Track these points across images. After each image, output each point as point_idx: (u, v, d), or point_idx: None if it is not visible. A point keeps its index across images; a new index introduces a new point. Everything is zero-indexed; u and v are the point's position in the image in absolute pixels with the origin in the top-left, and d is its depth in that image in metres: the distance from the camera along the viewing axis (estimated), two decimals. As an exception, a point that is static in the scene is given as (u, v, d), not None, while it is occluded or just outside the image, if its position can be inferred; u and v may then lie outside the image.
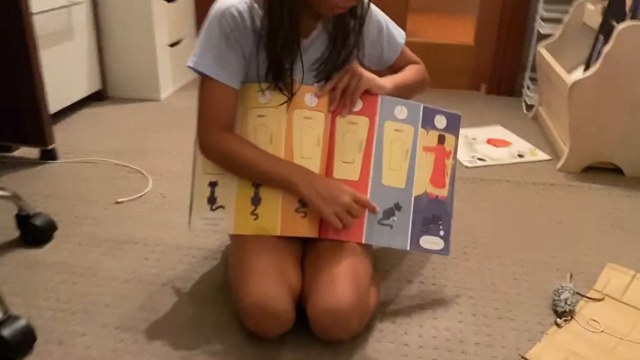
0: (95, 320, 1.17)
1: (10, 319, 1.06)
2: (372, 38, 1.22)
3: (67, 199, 1.69)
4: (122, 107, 2.49)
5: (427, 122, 1.19)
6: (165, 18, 2.54)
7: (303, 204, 1.12)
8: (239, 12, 1.08)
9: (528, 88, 2.57)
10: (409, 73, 1.28)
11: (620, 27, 1.75)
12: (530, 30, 2.58)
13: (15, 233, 1.47)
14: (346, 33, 1.14)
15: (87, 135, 2.17)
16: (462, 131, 2.22)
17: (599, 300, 1.29)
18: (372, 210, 1.13)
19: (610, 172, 1.96)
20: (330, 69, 1.16)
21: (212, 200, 1.16)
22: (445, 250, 1.20)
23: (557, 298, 1.26)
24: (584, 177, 1.94)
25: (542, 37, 2.41)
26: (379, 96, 1.17)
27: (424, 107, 1.19)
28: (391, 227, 1.15)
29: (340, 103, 1.15)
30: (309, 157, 1.13)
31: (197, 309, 1.21)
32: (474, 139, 2.23)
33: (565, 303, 1.24)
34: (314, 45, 1.15)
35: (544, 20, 2.43)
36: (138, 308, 1.22)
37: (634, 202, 1.78)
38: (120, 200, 1.69)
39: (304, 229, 1.13)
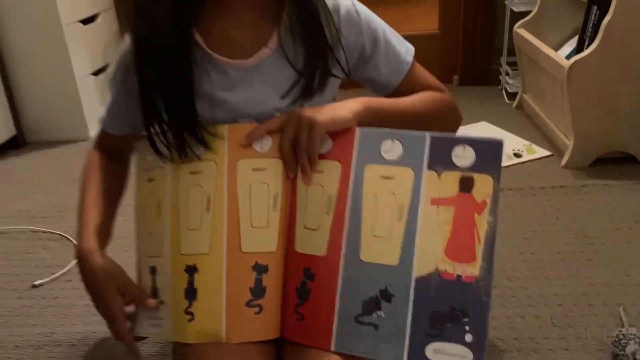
0: None
1: None
2: (363, 51, 0.86)
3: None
4: (43, 154, 2.09)
5: (439, 160, 0.76)
6: (84, 42, 2.16)
7: (257, 294, 0.77)
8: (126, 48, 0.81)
9: (507, 74, 2.29)
10: (413, 99, 0.87)
11: (620, -7, 1.48)
12: (501, 9, 2.30)
13: None
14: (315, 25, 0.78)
15: (-1, 196, 1.78)
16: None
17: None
18: None
19: (623, 163, 1.69)
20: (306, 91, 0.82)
21: (154, 292, 0.82)
22: None
23: (620, 353, 0.96)
24: (595, 172, 1.66)
25: (516, 16, 2.12)
26: (357, 129, 0.79)
27: (433, 138, 0.77)
28: (375, 327, 0.74)
29: (292, 165, 0.79)
30: (261, 225, 0.78)
31: None
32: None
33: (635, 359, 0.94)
34: (267, 66, 0.81)
35: (516, -4, 2.15)
36: None
37: (662, 197, 1.51)
38: (37, 283, 1.31)
39: (259, 330, 0.77)
